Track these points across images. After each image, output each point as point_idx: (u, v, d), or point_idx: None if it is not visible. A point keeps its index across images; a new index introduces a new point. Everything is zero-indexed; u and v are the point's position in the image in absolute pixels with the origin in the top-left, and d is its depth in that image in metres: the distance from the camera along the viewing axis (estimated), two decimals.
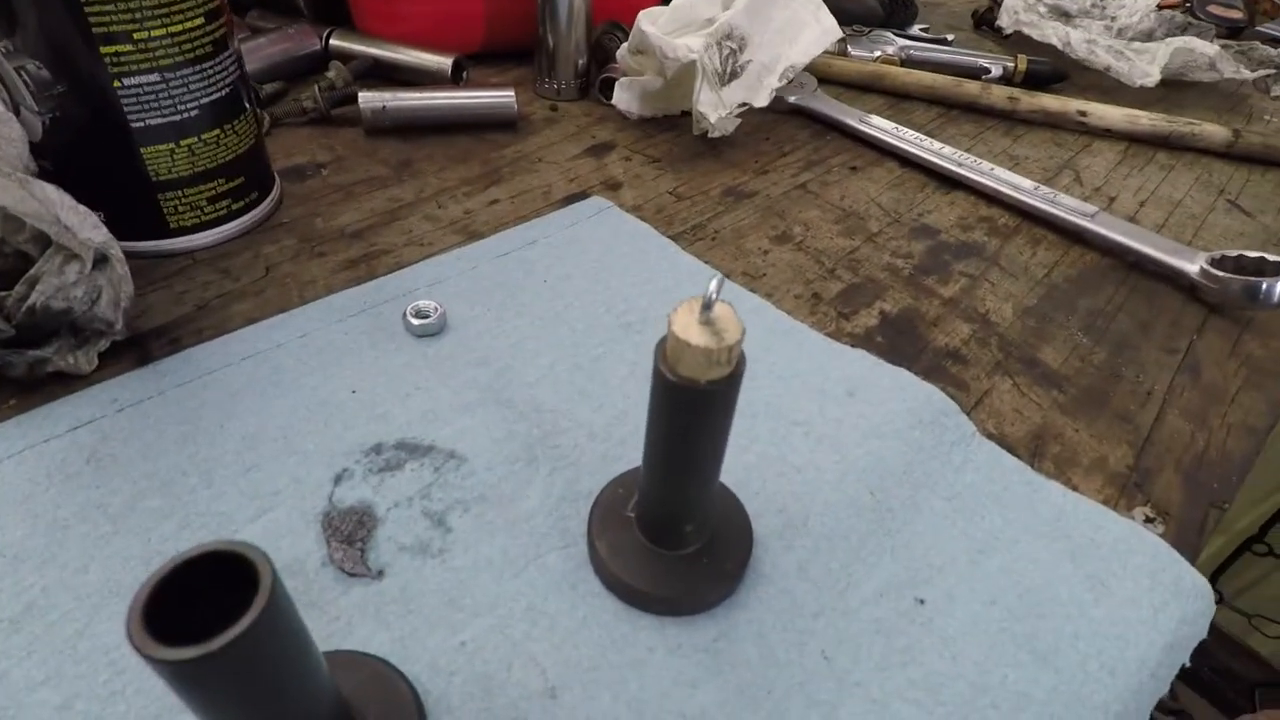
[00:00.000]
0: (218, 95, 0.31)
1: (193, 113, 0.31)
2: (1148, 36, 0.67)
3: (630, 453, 0.26)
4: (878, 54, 0.61)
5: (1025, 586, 0.23)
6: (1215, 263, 0.36)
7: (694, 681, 0.20)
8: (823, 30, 0.46)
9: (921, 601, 0.22)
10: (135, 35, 0.28)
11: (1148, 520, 0.26)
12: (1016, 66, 0.60)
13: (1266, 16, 0.77)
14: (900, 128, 0.48)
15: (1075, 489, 0.26)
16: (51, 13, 0.27)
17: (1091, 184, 0.48)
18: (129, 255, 0.28)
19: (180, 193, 0.32)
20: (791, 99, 0.52)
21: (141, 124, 0.30)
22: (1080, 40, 0.61)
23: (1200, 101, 0.62)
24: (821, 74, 0.57)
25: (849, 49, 0.61)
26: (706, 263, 0.35)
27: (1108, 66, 0.60)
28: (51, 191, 0.25)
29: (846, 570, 0.23)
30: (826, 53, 0.54)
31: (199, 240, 0.33)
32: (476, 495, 0.24)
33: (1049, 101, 0.54)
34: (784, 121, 0.51)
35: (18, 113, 0.28)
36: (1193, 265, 0.37)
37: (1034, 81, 0.60)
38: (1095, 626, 0.22)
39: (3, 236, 0.25)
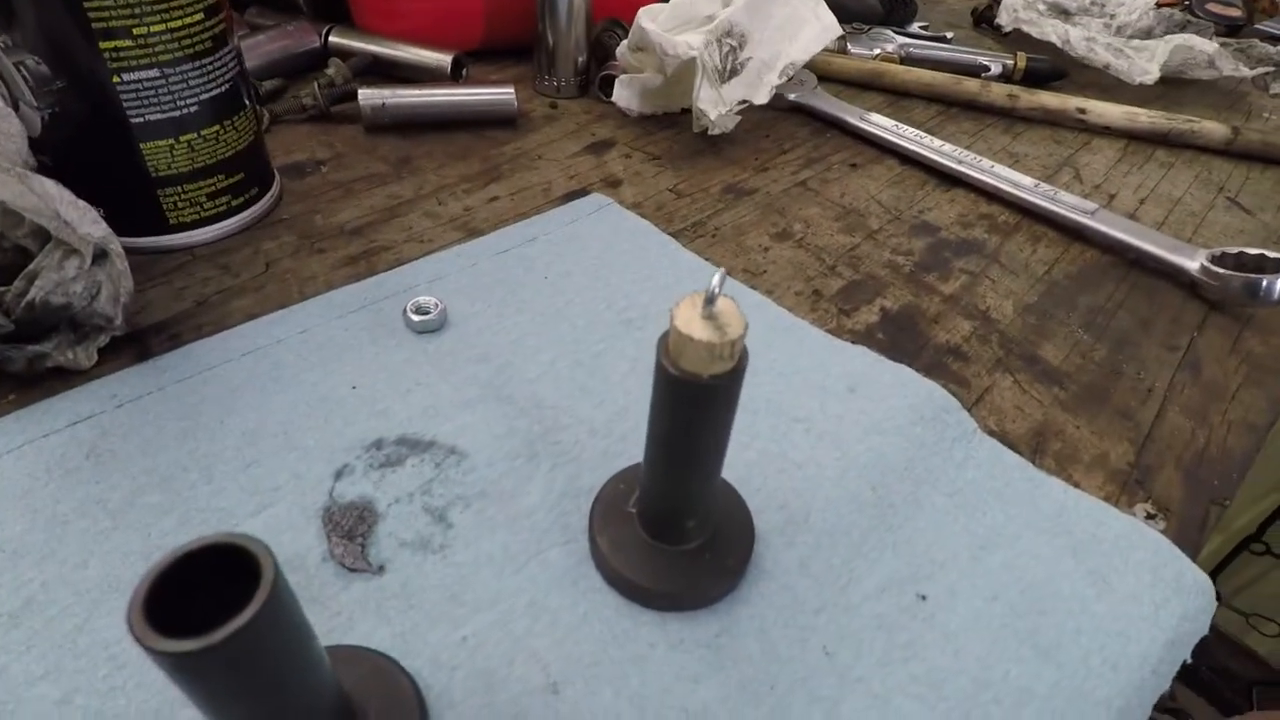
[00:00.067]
0: (217, 91, 0.31)
1: (192, 108, 0.31)
2: (1147, 34, 0.67)
3: (631, 449, 0.26)
4: (877, 52, 0.61)
5: (1027, 582, 0.23)
6: (1216, 260, 0.36)
7: (696, 677, 0.20)
8: (822, 27, 0.46)
9: (923, 597, 0.22)
10: (135, 30, 0.28)
11: (1149, 517, 0.26)
12: (1016, 64, 0.60)
13: (1265, 14, 0.77)
14: (900, 125, 0.48)
15: (1076, 485, 0.26)
16: (51, 8, 0.26)
17: (1091, 181, 0.48)
18: (128, 251, 0.27)
19: (180, 188, 0.32)
20: (791, 96, 0.52)
21: (141, 119, 0.30)
22: (1079, 38, 0.61)
23: (1199, 99, 0.62)
24: (821, 71, 0.57)
25: (848, 46, 0.61)
26: (707, 260, 0.35)
27: (1107, 64, 0.60)
28: (51, 186, 0.25)
29: (848, 566, 0.23)
30: (826, 50, 0.54)
31: (199, 236, 0.33)
32: (477, 491, 0.24)
33: (1048, 99, 0.54)
34: (784, 119, 0.51)
35: (17, 108, 0.28)
36: (1193, 262, 0.37)
37: (1033, 79, 0.60)
38: (1097, 622, 0.22)
39: (2, 231, 0.25)
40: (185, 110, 0.30)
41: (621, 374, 0.29)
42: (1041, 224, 0.42)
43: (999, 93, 0.55)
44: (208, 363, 0.27)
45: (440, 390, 0.27)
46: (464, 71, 0.50)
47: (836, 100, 0.52)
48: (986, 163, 0.45)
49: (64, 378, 0.26)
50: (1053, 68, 0.61)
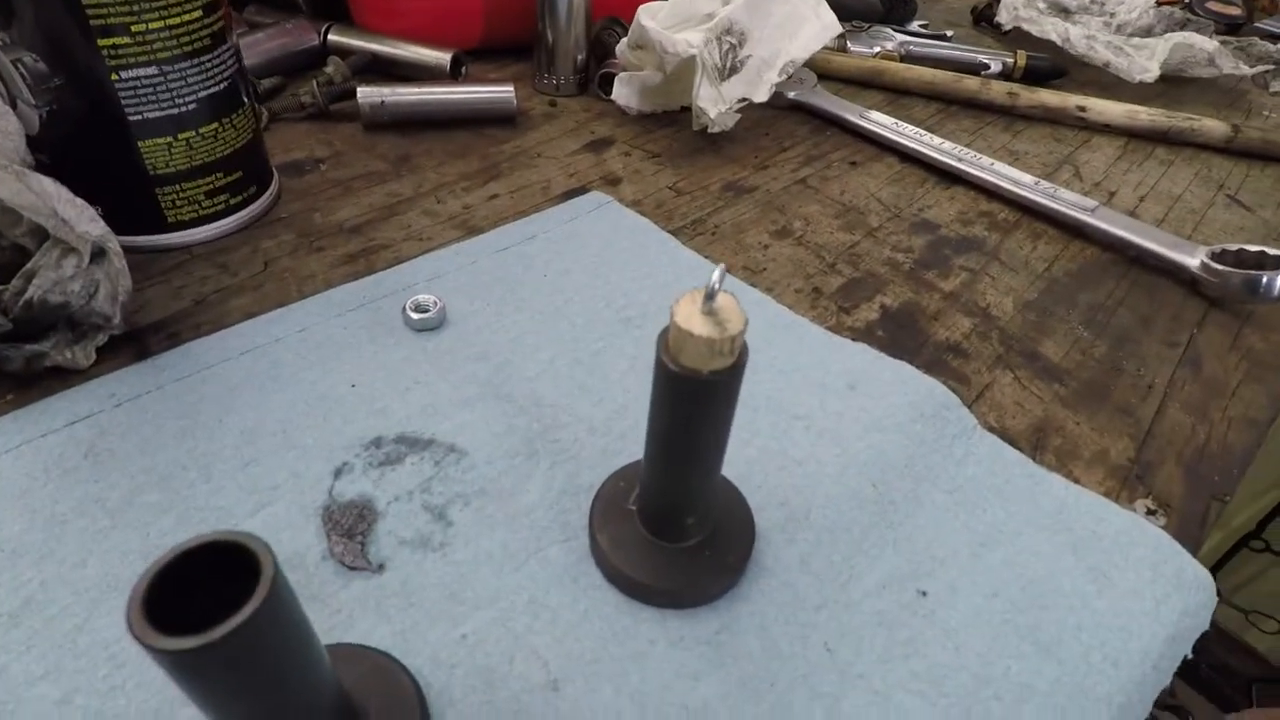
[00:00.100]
0: (216, 89, 0.31)
1: (191, 106, 0.31)
2: (1147, 32, 0.67)
3: (631, 447, 0.26)
4: (877, 50, 0.61)
5: (1028, 579, 0.23)
6: (1216, 257, 0.36)
7: (696, 674, 0.20)
8: (822, 26, 0.46)
9: (924, 594, 0.22)
10: (133, 28, 0.28)
11: (1149, 513, 0.26)
12: (1016, 62, 0.60)
13: (1264, 13, 0.77)
14: (900, 123, 0.48)
15: (1077, 481, 0.26)
16: (49, 5, 0.26)
17: (1091, 179, 0.48)
18: (126, 250, 0.27)
19: (178, 187, 0.32)
20: (791, 94, 0.52)
21: (139, 117, 0.29)
22: (1079, 36, 0.61)
23: (1199, 97, 0.62)
24: (821, 70, 0.57)
25: (848, 45, 0.61)
26: (706, 257, 0.35)
27: (1107, 62, 0.60)
28: (49, 184, 0.25)
29: (849, 563, 0.23)
30: (826, 48, 0.54)
31: (197, 235, 0.33)
32: (477, 489, 0.24)
33: (1048, 97, 0.54)
34: (784, 117, 0.51)
35: (14, 106, 0.28)
36: (1193, 259, 0.37)
37: (1033, 77, 0.60)
38: (1098, 618, 0.22)
39: None
40: (184, 108, 0.30)
41: (621, 372, 0.29)
42: (1041, 221, 0.42)
43: (999, 90, 0.55)
44: (206, 361, 0.27)
45: (439, 388, 0.27)
46: (463, 70, 0.49)
47: (836, 98, 0.52)
48: (986, 160, 0.45)
49: (62, 377, 0.26)
50: (1053, 66, 0.61)
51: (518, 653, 0.20)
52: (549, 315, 0.31)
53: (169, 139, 0.31)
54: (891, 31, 0.63)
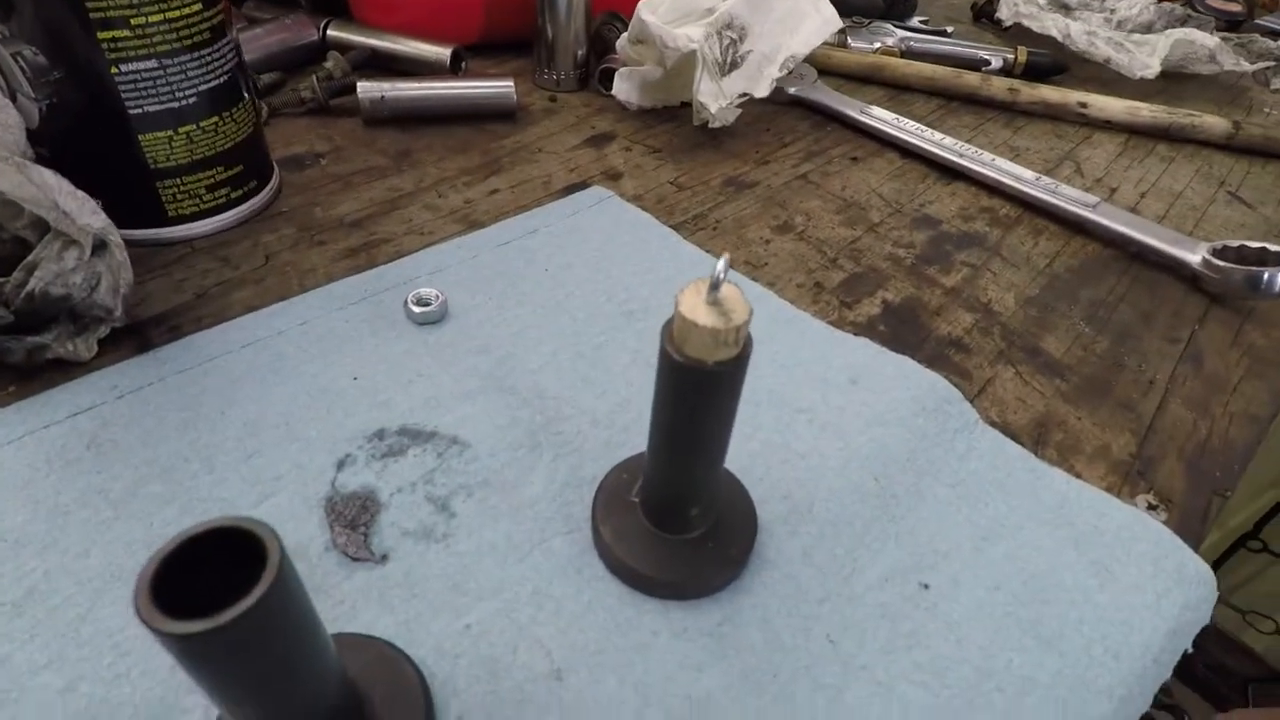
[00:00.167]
0: (216, 82, 0.31)
1: (191, 100, 0.30)
2: (1147, 29, 0.67)
3: (633, 439, 0.26)
4: (877, 45, 0.61)
5: (1029, 572, 0.23)
6: (1217, 253, 0.36)
7: (699, 665, 0.20)
8: (823, 21, 0.46)
9: (926, 587, 0.22)
10: (133, 21, 0.28)
11: (1150, 507, 0.26)
12: (1016, 58, 0.60)
13: (1265, 9, 0.77)
14: (901, 119, 0.48)
15: (1078, 476, 0.26)
16: None
17: (1092, 175, 0.48)
18: (127, 244, 0.27)
19: (179, 180, 0.32)
20: (792, 90, 0.52)
21: (139, 111, 0.29)
22: (1080, 32, 0.61)
23: (1200, 94, 0.62)
24: (821, 65, 0.57)
25: (849, 40, 0.61)
26: (708, 252, 0.35)
27: (1108, 58, 0.60)
28: (50, 176, 0.25)
29: (851, 556, 0.23)
30: (826, 44, 0.54)
31: (198, 228, 0.33)
32: (480, 481, 0.24)
33: (1049, 93, 0.54)
34: (784, 112, 0.51)
35: (14, 99, 0.28)
36: (1194, 255, 0.37)
37: (1034, 73, 0.60)
38: (1099, 612, 0.22)
39: (0, 223, 0.25)
40: (184, 101, 0.30)
41: (623, 365, 0.29)
42: (1043, 217, 0.42)
43: (1000, 87, 0.55)
44: (208, 354, 0.27)
45: (441, 381, 0.27)
46: (463, 65, 0.49)
47: (837, 94, 0.52)
48: (987, 156, 0.45)
49: (64, 369, 0.26)
50: (1053, 62, 0.61)
51: (521, 643, 0.20)
52: (551, 309, 0.31)
53: (169, 133, 0.31)
54: (892, 27, 0.63)
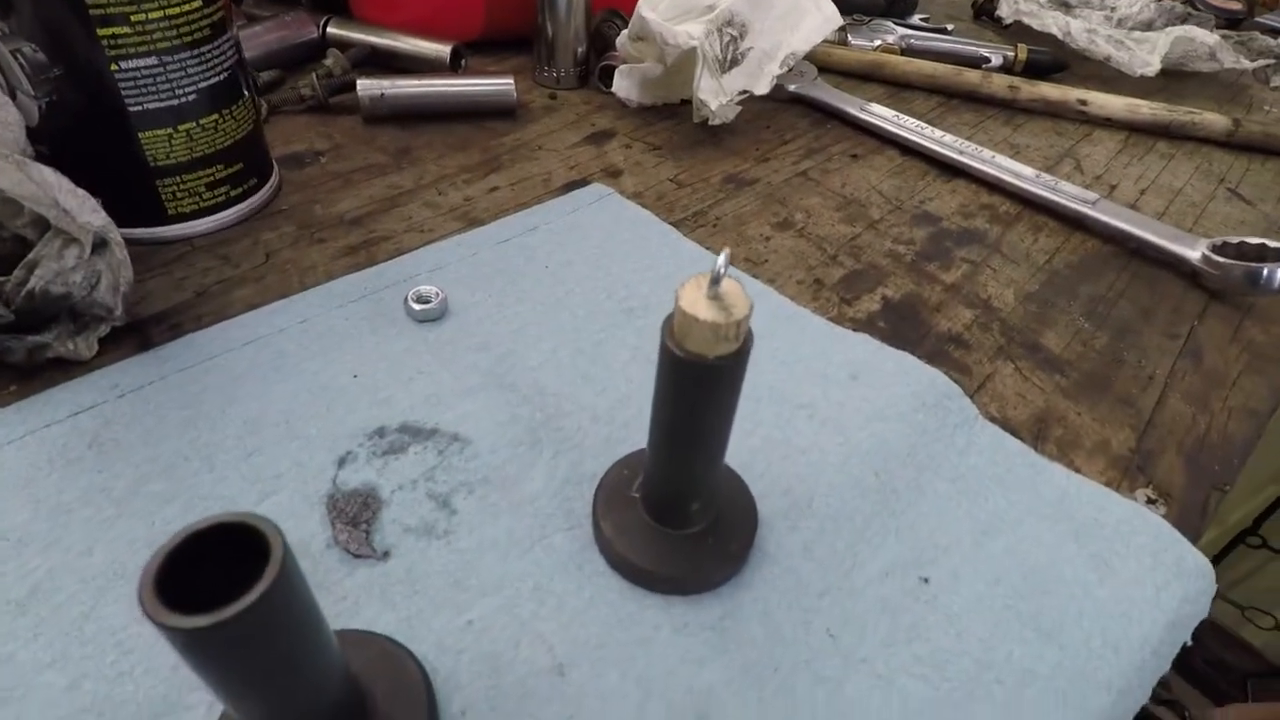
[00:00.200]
0: (216, 80, 0.31)
1: (190, 97, 0.30)
2: (1147, 26, 0.67)
3: (633, 435, 0.26)
4: (878, 43, 0.60)
5: (1029, 566, 0.23)
6: (1216, 249, 0.36)
7: (701, 659, 0.20)
8: (824, 18, 0.46)
9: (926, 581, 0.22)
10: (133, 17, 0.28)
11: (1150, 501, 0.26)
12: (1017, 56, 0.60)
13: (1265, 7, 0.77)
14: (901, 116, 0.48)
15: (1078, 471, 0.26)
16: None
17: (1092, 172, 0.48)
18: (127, 242, 0.27)
19: (178, 178, 0.32)
20: (792, 87, 0.52)
21: (139, 108, 0.29)
22: (1080, 30, 0.61)
23: (1200, 91, 0.62)
24: (821, 63, 0.57)
25: (849, 38, 0.61)
26: (708, 249, 0.35)
27: (1108, 56, 0.60)
28: (50, 175, 0.25)
29: (852, 550, 0.23)
30: (826, 41, 0.54)
31: (198, 227, 0.33)
32: (481, 477, 0.24)
33: (1049, 91, 0.54)
34: (784, 110, 0.51)
35: (14, 97, 0.28)
36: (1194, 252, 0.37)
37: (1034, 71, 0.60)
38: (1099, 605, 0.22)
39: (0, 221, 0.25)
40: (184, 99, 0.30)
41: (623, 362, 0.29)
42: (1042, 214, 0.42)
43: (1000, 84, 0.55)
44: (209, 352, 0.27)
45: (442, 378, 0.27)
46: (463, 62, 0.49)
47: (837, 91, 0.52)
48: (987, 153, 0.45)
49: (64, 368, 0.26)
50: (1053, 59, 0.61)
51: (523, 638, 0.20)
52: (551, 306, 0.31)
53: (169, 130, 0.31)
54: (892, 25, 0.63)
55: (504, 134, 0.45)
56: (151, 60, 0.29)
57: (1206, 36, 0.60)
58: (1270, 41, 0.65)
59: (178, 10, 0.29)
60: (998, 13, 0.68)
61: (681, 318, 0.16)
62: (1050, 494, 0.25)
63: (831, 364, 0.29)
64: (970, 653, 0.20)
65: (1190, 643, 0.23)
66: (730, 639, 0.20)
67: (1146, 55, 0.58)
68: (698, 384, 0.17)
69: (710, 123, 0.44)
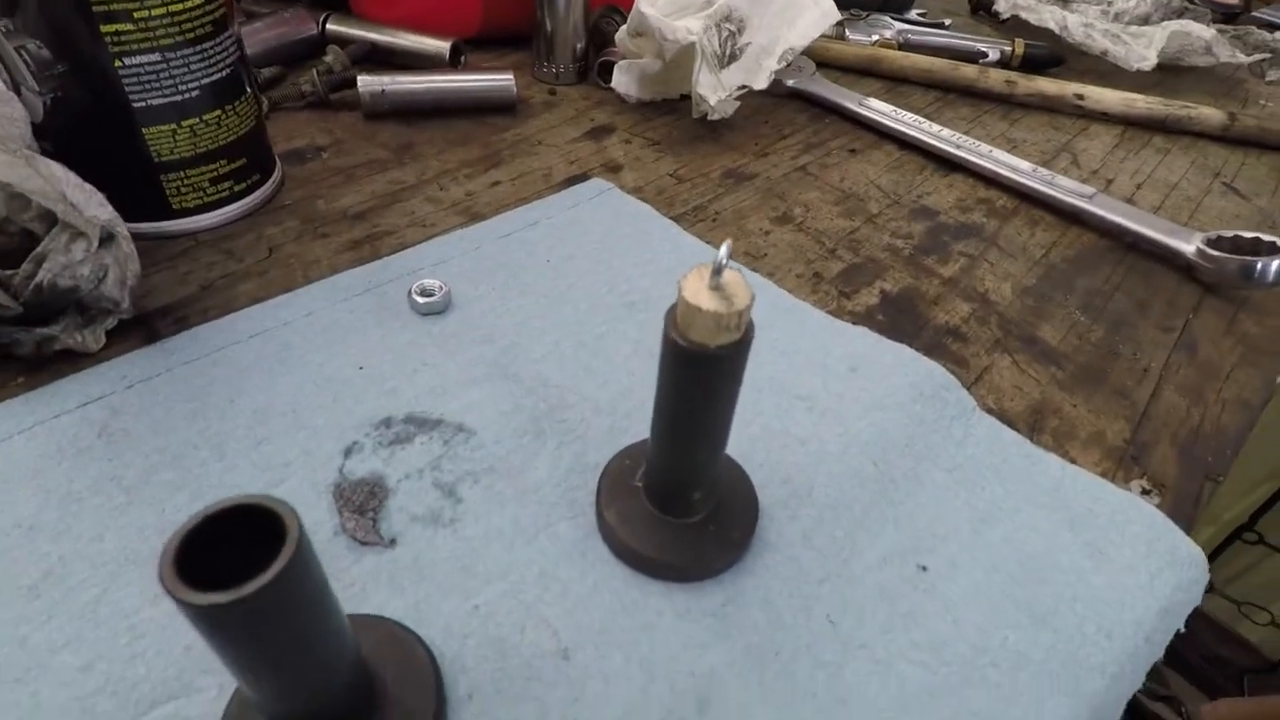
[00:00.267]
0: (218, 76, 0.31)
1: (194, 93, 0.31)
2: (1144, 20, 0.67)
3: (635, 426, 0.26)
4: (875, 38, 0.61)
5: (1025, 554, 0.23)
6: (1211, 243, 0.37)
7: (703, 644, 0.20)
8: (821, 13, 0.46)
9: (924, 568, 0.22)
10: (136, 14, 0.28)
11: (1144, 492, 0.26)
12: (1014, 50, 0.60)
13: (1262, 2, 0.77)
14: (899, 111, 0.49)
15: (1074, 462, 0.27)
16: None
17: (1089, 166, 0.48)
18: (132, 236, 0.27)
19: (182, 174, 0.32)
20: (790, 82, 0.52)
21: (143, 104, 0.30)
22: (1077, 24, 0.61)
23: (1196, 86, 0.63)
24: (819, 58, 0.57)
25: (847, 33, 0.61)
26: (708, 243, 0.36)
27: (1104, 50, 0.60)
28: (58, 169, 0.25)
29: (851, 538, 0.23)
30: (824, 36, 0.54)
31: (202, 222, 0.34)
32: (486, 467, 0.24)
33: (1046, 85, 0.54)
34: (783, 105, 0.52)
35: (19, 93, 0.28)
36: (1189, 245, 0.37)
37: (1031, 65, 0.60)
38: (1093, 592, 0.22)
39: (8, 215, 0.25)
40: (187, 95, 0.31)
41: (624, 355, 0.29)
42: (1039, 208, 0.43)
43: (997, 79, 0.55)
44: (215, 344, 0.28)
45: (447, 370, 0.27)
46: (462, 58, 0.50)
47: (835, 86, 0.52)
48: (985, 148, 0.45)
49: (72, 360, 0.27)
50: (1050, 54, 0.61)
51: (529, 623, 0.20)
52: (553, 300, 0.31)
53: (173, 126, 0.31)
54: (890, 20, 0.63)
55: (504, 129, 0.45)
56: (155, 57, 0.29)
57: (1203, 31, 0.60)
58: (1266, 36, 0.66)
59: (180, 7, 0.29)
60: (995, 7, 0.68)
61: (684, 308, 0.17)
62: (1046, 484, 0.25)
63: (831, 356, 0.30)
64: (966, 638, 0.21)
65: (1183, 629, 0.23)
66: (732, 624, 0.21)
67: (1143, 50, 0.59)
68: (700, 373, 0.17)
69: (709, 118, 0.44)
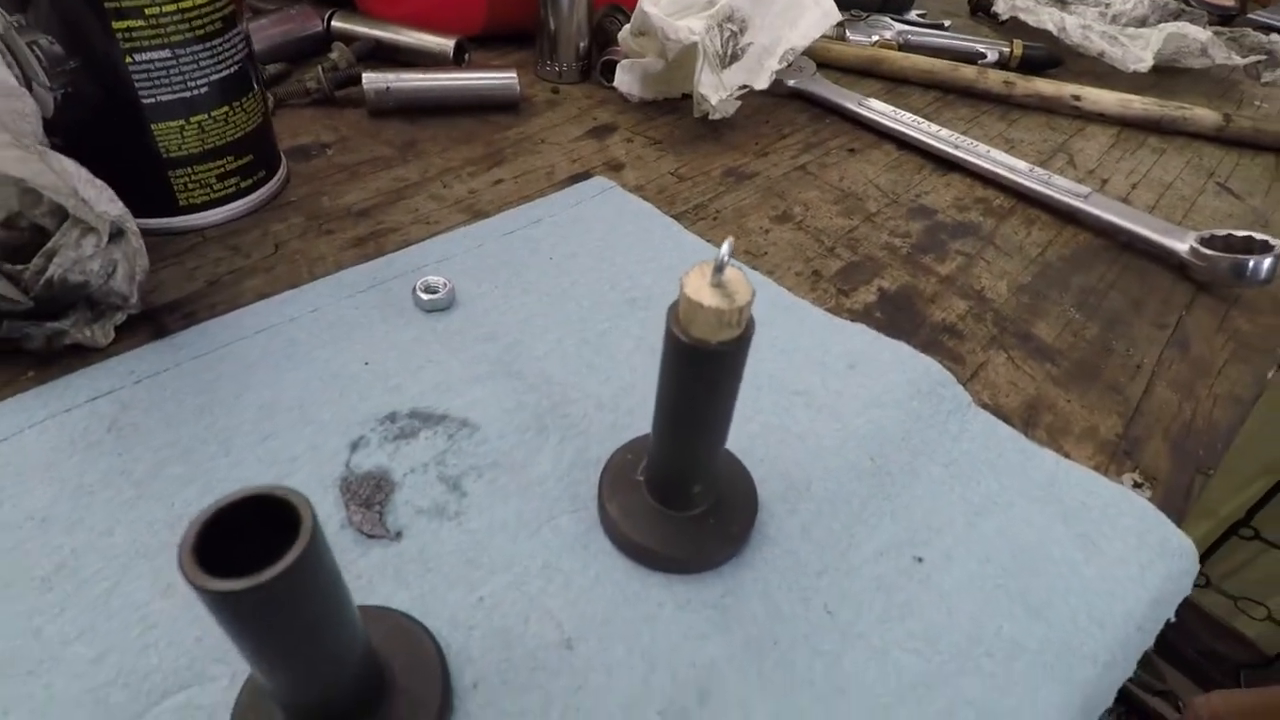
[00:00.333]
0: (227, 72, 0.32)
1: (202, 89, 0.31)
2: (1141, 22, 0.67)
3: (637, 422, 0.26)
4: (875, 38, 0.61)
5: (1019, 546, 0.24)
6: (1205, 241, 0.37)
7: (703, 634, 0.20)
8: (822, 14, 0.46)
9: (920, 560, 0.23)
10: (147, 11, 0.28)
11: (1136, 485, 0.27)
12: (1012, 51, 0.61)
13: (1257, 4, 0.77)
14: (898, 111, 0.49)
15: (1067, 456, 0.27)
16: None
17: (1085, 166, 0.48)
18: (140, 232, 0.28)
19: (190, 170, 0.32)
20: (791, 82, 0.52)
21: (152, 100, 0.30)
22: (1075, 25, 0.62)
23: (1192, 87, 0.63)
24: (820, 58, 0.57)
25: (847, 34, 0.61)
26: (709, 241, 0.36)
27: (1102, 52, 0.60)
28: (69, 164, 0.26)
29: (848, 531, 0.24)
30: (825, 37, 0.54)
31: (209, 218, 0.34)
32: (490, 461, 0.24)
33: (1044, 86, 0.55)
34: (783, 105, 0.52)
35: (30, 88, 0.28)
36: (1183, 244, 0.38)
37: (1029, 66, 0.61)
38: (1085, 583, 0.23)
39: (20, 210, 0.25)
40: (195, 91, 0.31)
41: (627, 351, 0.29)
42: (1036, 207, 0.43)
43: (995, 79, 0.55)
44: (222, 340, 0.28)
45: (451, 366, 0.28)
46: (466, 56, 0.50)
47: (835, 86, 0.52)
48: (983, 148, 0.46)
49: (81, 355, 0.27)
50: (1048, 55, 0.61)
51: (532, 614, 0.20)
52: (556, 297, 0.32)
53: (181, 122, 0.31)
54: (890, 20, 0.63)
55: (507, 128, 0.45)
56: (165, 53, 0.29)
57: (1199, 33, 0.60)
58: (1261, 38, 0.66)
59: (190, 4, 0.29)
60: (994, 9, 0.69)
61: (686, 304, 0.17)
62: (1040, 478, 0.26)
63: (829, 353, 0.30)
64: (961, 628, 0.21)
65: (1174, 619, 0.23)
66: (731, 615, 0.21)
67: (1139, 51, 0.59)
68: (701, 368, 0.18)
69: (710, 117, 0.44)
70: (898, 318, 0.33)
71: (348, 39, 0.49)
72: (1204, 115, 0.53)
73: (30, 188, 0.24)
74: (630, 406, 0.27)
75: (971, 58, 0.61)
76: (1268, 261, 0.35)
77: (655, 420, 0.21)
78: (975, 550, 0.23)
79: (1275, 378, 0.34)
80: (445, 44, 0.49)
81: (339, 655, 0.15)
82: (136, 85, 0.29)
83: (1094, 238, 0.41)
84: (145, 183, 0.32)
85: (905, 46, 0.61)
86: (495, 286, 0.32)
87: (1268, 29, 0.73)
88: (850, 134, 0.49)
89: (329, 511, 0.23)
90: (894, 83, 0.58)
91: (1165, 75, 0.64)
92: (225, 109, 0.32)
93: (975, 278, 0.37)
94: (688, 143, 0.46)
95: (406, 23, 0.50)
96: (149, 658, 0.19)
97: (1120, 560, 0.23)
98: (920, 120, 0.48)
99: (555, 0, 0.49)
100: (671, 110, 0.49)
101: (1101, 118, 0.54)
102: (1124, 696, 0.98)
